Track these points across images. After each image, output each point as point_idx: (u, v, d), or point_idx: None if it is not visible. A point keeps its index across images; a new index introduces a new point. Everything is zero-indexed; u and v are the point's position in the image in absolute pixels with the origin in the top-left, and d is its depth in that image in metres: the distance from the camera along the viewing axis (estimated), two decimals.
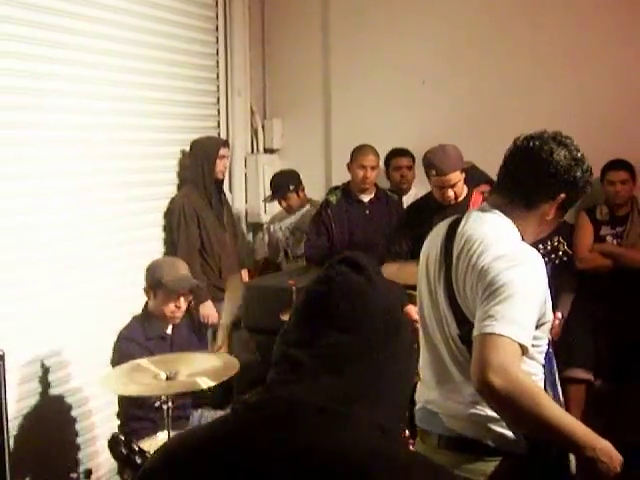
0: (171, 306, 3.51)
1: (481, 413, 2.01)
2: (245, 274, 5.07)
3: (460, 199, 3.89)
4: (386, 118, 5.13)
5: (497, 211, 2.09)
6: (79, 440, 4.05)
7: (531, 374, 1.98)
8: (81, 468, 3.99)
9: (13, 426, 3.53)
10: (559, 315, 2.41)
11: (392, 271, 4.01)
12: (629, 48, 4.53)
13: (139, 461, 2.34)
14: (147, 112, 4.53)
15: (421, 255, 2.29)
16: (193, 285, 3.67)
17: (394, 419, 1.24)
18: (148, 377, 2.82)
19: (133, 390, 2.81)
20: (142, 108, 4.49)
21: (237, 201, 5.44)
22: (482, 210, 2.14)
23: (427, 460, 1.24)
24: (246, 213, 5.58)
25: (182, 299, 3.55)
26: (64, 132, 3.93)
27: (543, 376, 2.09)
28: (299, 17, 5.48)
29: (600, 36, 4.58)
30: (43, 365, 3.81)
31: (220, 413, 3.55)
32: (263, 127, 5.62)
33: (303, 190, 5.08)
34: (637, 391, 4.13)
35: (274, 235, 5.20)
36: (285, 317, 3.67)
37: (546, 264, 2.40)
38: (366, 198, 4.80)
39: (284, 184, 5.01)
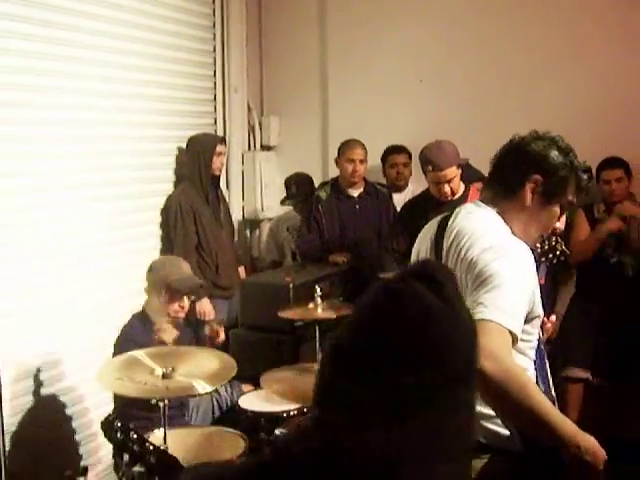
0: (175, 306, 3.50)
1: None
2: (242, 271, 5.06)
3: (457, 196, 3.89)
4: (383, 115, 5.13)
5: (486, 206, 2.12)
6: (76, 438, 4.04)
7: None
8: (77, 466, 3.99)
9: (9, 424, 3.52)
10: (553, 318, 2.41)
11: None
12: (628, 46, 4.52)
13: (137, 449, 2.31)
14: (143, 109, 4.52)
15: (413, 251, 2.31)
16: (198, 285, 3.67)
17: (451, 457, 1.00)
18: (144, 373, 2.80)
19: (128, 389, 2.79)
20: (138, 105, 4.48)
21: (234, 198, 5.43)
22: (471, 206, 2.17)
23: None
24: (243, 210, 5.58)
25: (185, 298, 3.54)
26: (60, 129, 3.92)
27: (534, 372, 2.09)
28: (296, 14, 5.47)
29: (599, 35, 4.57)
30: (39, 362, 3.80)
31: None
32: (260, 124, 5.61)
33: None
34: (635, 390, 4.14)
35: (280, 235, 5.18)
36: (283, 314, 3.66)
37: (544, 263, 2.40)
38: (355, 193, 4.82)
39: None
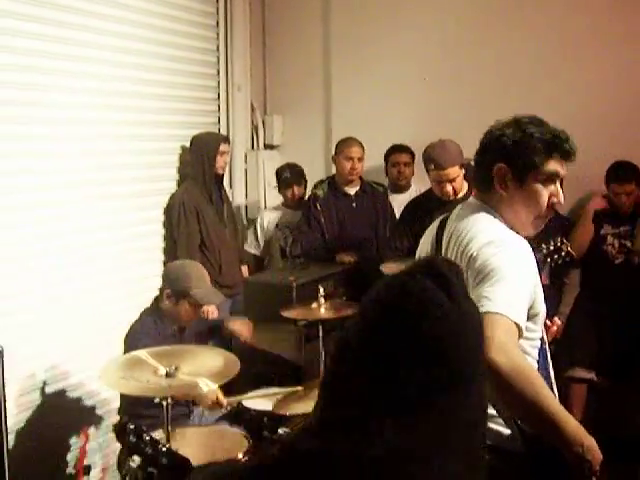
0: (191, 312, 3.50)
1: None
2: (245, 270, 5.06)
3: (460, 195, 3.89)
4: (387, 115, 5.12)
5: (479, 203, 2.12)
6: (78, 437, 4.04)
7: None
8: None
9: (14, 422, 3.53)
10: (557, 321, 2.40)
11: (392, 269, 4.01)
12: (629, 46, 4.51)
13: (149, 451, 2.31)
14: (147, 108, 4.52)
15: (416, 253, 2.31)
16: (221, 300, 3.68)
17: (470, 469, 1.00)
18: (147, 372, 2.81)
19: (131, 388, 2.79)
20: (142, 104, 4.48)
21: (237, 197, 5.43)
22: (467, 203, 2.17)
23: None
24: (246, 209, 5.58)
25: (202, 308, 3.57)
26: (64, 127, 3.93)
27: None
28: (300, 13, 5.46)
29: (601, 35, 4.56)
30: (44, 361, 3.81)
31: None
32: (263, 123, 5.61)
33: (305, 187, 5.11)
34: (639, 390, 4.13)
35: (267, 231, 5.15)
36: (286, 314, 3.67)
37: (549, 264, 2.40)
38: (352, 191, 4.84)
39: (300, 173, 5.06)
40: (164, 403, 2.75)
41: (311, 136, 5.48)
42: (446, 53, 4.96)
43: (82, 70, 4.00)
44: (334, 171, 5.10)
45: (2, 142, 3.59)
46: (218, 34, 5.24)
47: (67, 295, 3.92)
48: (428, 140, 4.00)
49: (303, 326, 4.00)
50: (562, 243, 2.57)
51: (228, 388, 3.13)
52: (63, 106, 3.91)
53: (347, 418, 0.95)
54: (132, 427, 2.32)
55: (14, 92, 3.63)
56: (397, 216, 4.59)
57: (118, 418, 3.41)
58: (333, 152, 4.88)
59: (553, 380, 2.21)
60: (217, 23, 5.23)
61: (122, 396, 3.41)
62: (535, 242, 2.07)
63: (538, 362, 2.09)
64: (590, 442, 1.77)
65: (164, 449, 2.30)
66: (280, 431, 2.73)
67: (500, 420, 1.96)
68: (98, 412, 4.12)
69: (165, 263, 4.42)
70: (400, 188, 4.95)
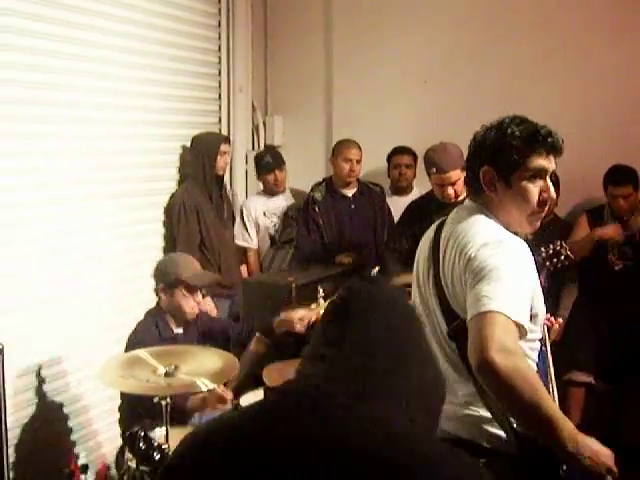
0: (191, 302, 3.50)
1: (475, 414, 2.02)
2: (244, 270, 5.06)
3: (461, 198, 3.89)
4: (387, 117, 5.13)
5: (475, 205, 2.13)
6: (76, 435, 4.05)
7: None
8: (78, 463, 4.00)
9: (13, 419, 3.54)
10: (560, 321, 2.40)
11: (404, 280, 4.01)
12: (630, 48, 4.52)
13: (157, 457, 2.32)
14: (148, 107, 4.52)
15: (415, 257, 2.31)
16: (215, 279, 3.67)
17: (422, 410, 1.31)
18: (146, 371, 2.81)
19: (130, 387, 2.80)
20: (143, 103, 4.48)
21: (238, 197, 5.43)
22: (464, 206, 2.18)
23: (457, 452, 1.27)
24: None
25: (199, 293, 3.54)
26: (64, 126, 3.93)
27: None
28: (301, 14, 5.47)
29: (603, 38, 4.57)
30: (41, 359, 3.81)
31: None
32: (264, 124, 5.62)
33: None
34: (638, 394, 4.13)
35: (255, 220, 5.10)
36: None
37: (548, 267, 2.41)
38: (350, 192, 4.84)
39: (281, 157, 5.06)
40: (163, 402, 2.76)
41: (312, 137, 5.49)
42: (447, 56, 4.96)
43: (84, 69, 4.00)
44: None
45: (5, 140, 3.59)
46: (220, 34, 5.25)
47: (67, 293, 3.92)
48: (429, 143, 4.00)
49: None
50: (561, 247, 2.57)
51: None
52: (66, 105, 3.91)
53: (316, 371, 1.31)
54: (142, 434, 2.33)
55: (19, 90, 3.63)
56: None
57: (123, 416, 3.43)
58: (331, 154, 4.87)
59: (553, 381, 2.21)
60: (219, 23, 5.24)
61: (122, 395, 3.41)
62: (534, 245, 2.06)
63: (537, 364, 2.09)
64: (586, 439, 1.77)
65: (168, 452, 2.30)
66: None
67: (496, 423, 1.97)
68: (98, 410, 4.12)
69: None
70: (402, 190, 4.95)
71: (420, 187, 4.78)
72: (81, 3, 3.94)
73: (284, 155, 5.18)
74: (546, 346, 2.34)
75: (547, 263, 2.51)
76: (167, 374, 2.80)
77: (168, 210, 4.66)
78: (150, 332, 3.45)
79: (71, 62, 3.91)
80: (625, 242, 4.29)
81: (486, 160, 2.06)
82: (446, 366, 2.05)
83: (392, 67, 5.13)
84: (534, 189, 2.04)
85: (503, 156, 2.03)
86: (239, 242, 5.06)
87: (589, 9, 4.60)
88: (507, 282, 1.87)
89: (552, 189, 2.06)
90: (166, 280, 3.47)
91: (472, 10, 4.88)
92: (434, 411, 1.38)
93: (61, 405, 3.95)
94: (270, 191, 5.08)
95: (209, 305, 4.44)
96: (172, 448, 2.62)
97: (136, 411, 3.15)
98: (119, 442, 3.45)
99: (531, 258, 2.02)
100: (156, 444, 2.32)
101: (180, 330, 3.58)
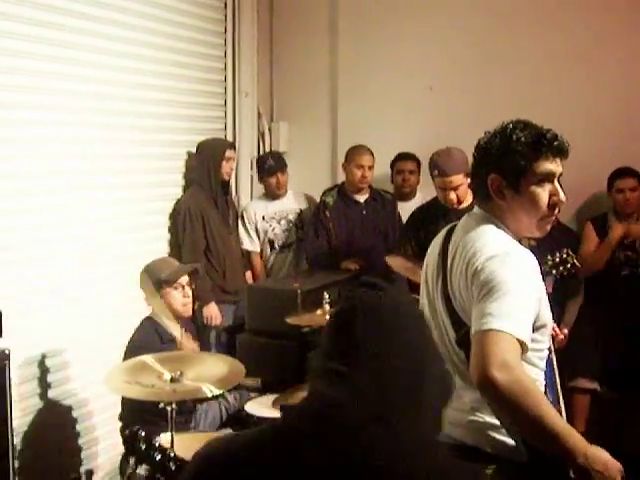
0: (180, 299, 3.52)
1: (481, 420, 2.01)
2: (249, 276, 5.07)
3: (466, 204, 3.89)
4: (393, 122, 5.13)
5: (483, 213, 2.11)
6: (81, 441, 4.05)
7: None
8: (83, 469, 4.00)
9: (19, 424, 3.54)
10: (565, 331, 2.39)
11: (399, 264, 4.02)
12: (634, 51, 4.53)
13: (158, 458, 2.30)
14: (154, 113, 4.54)
15: (424, 264, 2.31)
16: (192, 269, 3.69)
17: (434, 429, 1.29)
18: (152, 377, 2.81)
19: (136, 392, 2.80)
20: (149, 109, 4.50)
21: (243, 203, 5.44)
22: (472, 214, 2.16)
23: (469, 466, 1.30)
24: None
25: (187, 288, 3.56)
26: (70, 131, 3.94)
27: (544, 382, 2.08)
28: (307, 20, 5.48)
29: (608, 43, 4.57)
30: (45, 365, 3.82)
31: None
32: (270, 130, 5.62)
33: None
34: None
35: (255, 223, 5.09)
36: (290, 320, 3.67)
37: (554, 276, 2.40)
38: (362, 198, 4.85)
39: (283, 161, 5.04)
40: (168, 408, 2.76)
41: (317, 143, 5.49)
42: (452, 61, 4.97)
43: (89, 75, 4.02)
44: (340, 178, 5.11)
45: (5, 145, 3.60)
46: (225, 40, 5.26)
47: (73, 299, 3.93)
48: (433, 149, 4.00)
49: (307, 333, 4.01)
50: (568, 255, 2.57)
51: None
52: (70, 110, 3.92)
53: (329, 390, 1.25)
54: (143, 434, 2.31)
55: (20, 96, 3.65)
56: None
57: (124, 425, 3.43)
58: (343, 159, 4.86)
59: (559, 389, 2.20)
60: (225, 29, 5.25)
61: (124, 401, 3.42)
62: (540, 253, 2.05)
63: (545, 372, 2.08)
64: (595, 452, 1.76)
65: (172, 455, 2.29)
66: None
67: (504, 430, 1.96)
68: (102, 416, 4.12)
69: None
70: (405, 196, 4.95)
71: (424, 193, 4.78)
72: (79, 7, 3.94)
73: (289, 161, 5.19)
74: (551, 353, 2.34)
75: (553, 271, 2.50)
76: (172, 380, 2.80)
77: (174, 216, 4.67)
78: (151, 337, 3.47)
79: (75, 67, 3.93)
80: (631, 248, 4.29)
81: (492, 168, 2.04)
82: (452, 372, 2.04)
83: (397, 73, 5.14)
84: (543, 193, 2.02)
85: (509, 163, 2.01)
86: (243, 246, 5.07)
87: (596, 16, 4.60)
88: (512, 298, 1.86)
89: (562, 192, 2.06)
90: (148, 285, 3.54)
91: (478, 16, 4.88)
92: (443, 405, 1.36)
93: (66, 411, 3.95)
94: (272, 194, 5.08)
95: (214, 311, 4.46)
96: (177, 453, 2.62)
97: (140, 417, 3.15)
98: (123, 448, 3.46)
99: (538, 269, 2.00)
100: (157, 444, 2.30)
101: (178, 332, 3.59)
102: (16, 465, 3.02)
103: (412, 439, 1.21)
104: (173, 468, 2.27)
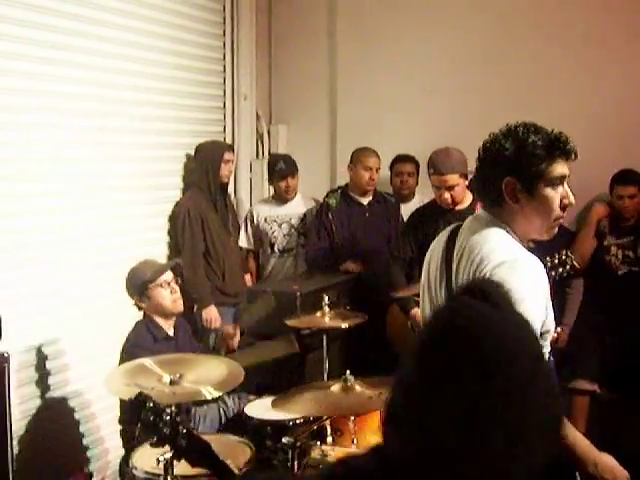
0: (168, 296, 3.54)
1: None
2: (249, 278, 5.07)
3: (464, 206, 3.90)
4: (391, 125, 5.14)
5: (490, 217, 2.09)
6: (82, 442, 4.04)
7: None
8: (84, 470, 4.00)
9: (17, 428, 3.54)
10: (563, 335, 2.38)
11: (407, 291, 4.01)
12: (636, 53, 4.54)
13: (167, 432, 2.23)
14: (153, 116, 4.54)
15: (424, 263, 2.30)
16: (173, 265, 3.73)
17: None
18: (152, 380, 2.81)
19: (134, 395, 2.79)
20: (148, 112, 4.50)
21: (242, 205, 5.44)
22: (478, 217, 2.15)
23: None
24: None
25: (173, 284, 3.59)
26: (69, 134, 3.94)
27: None
28: (306, 23, 5.49)
29: (608, 45, 4.58)
30: (46, 367, 3.82)
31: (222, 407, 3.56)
32: (269, 132, 5.63)
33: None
34: None
35: (257, 224, 5.10)
36: (290, 322, 3.67)
37: (553, 277, 2.40)
38: (365, 201, 4.85)
39: (294, 164, 5.01)
40: (167, 410, 2.75)
41: (316, 146, 5.50)
42: (451, 64, 4.98)
43: (88, 77, 4.02)
44: (339, 181, 5.11)
45: (3, 147, 3.60)
46: (224, 43, 5.27)
47: (73, 301, 3.93)
48: (432, 151, 4.01)
49: (307, 335, 4.01)
50: (567, 256, 2.57)
51: None
52: (69, 113, 3.93)
53: (412, 438, 0.97)
54: (151, 405, 2.24)
55: (23, 98, 3.65)
56: None
57: (124, 427, 3.43)
58: (348, 161, 4.86)
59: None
60: (223, 32, 5.25)
61: (123, 404, 3.41)
62: (539, 255, 2.05)
63: None
64: (604, 460, 1.76)
65: (184, 431, 2.24)
66: (283, 440, 2.73)
67: None
68: (102, 419, 4.12)
69: None
70: (404, 198, 4.96)
71: (422, 195, 4.79)
72: (78, 10, 3.95)
73: None
74: (551, 355, 2.34)
75: (552, 273, 2.50)
76: (172, 382, 2.79)
77: (173, 218, 4.67)
78: (144, 336, 3.50)
79: (73, 70, 3.93)
80: (629, 247, 4.31)
81: (507, 171, 2.01)
82: None
83: (396, 75, 5.15)
84: (557, 196, 2.02)
85: (527, 166, 1.99)
86: (242, 244, 5.10)
87: (595, 17, 4.61)
88: (522, 307, 1.84)
89: (571, 194, 2.06)
90: (135, 289, 3.55)
91: (478, 18, 4.89)
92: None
93: (66, 413, 3.95)
94: (280, 197, 5.06)
95: (214, 314, 4.45)
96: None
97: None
98: (123, 451, 3.46)
99: (545, 275, 1.99)
100: (167, 418, 2.22)
101: (171, 331, 3.62)
102: (15, 467, 3.01)
103: None
104: (183, 444, 2.22)
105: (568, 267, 2.57)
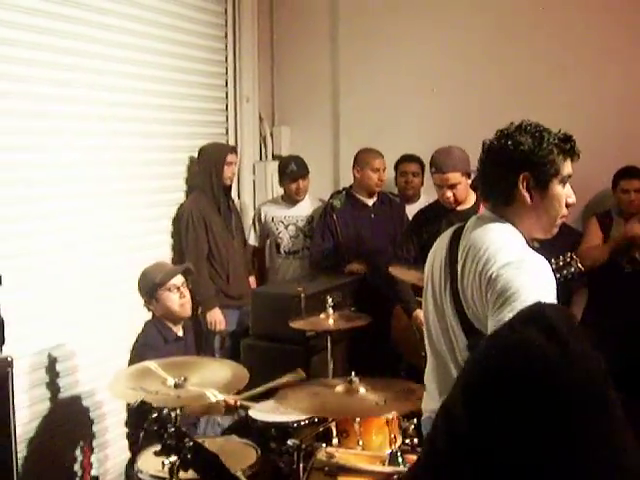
0: (177, 300, 3.56)
1: None
2: (253, 280, 5.06)
3: (467, 205, 3.89)
4: (395, 126, 5.13)
5: (494, 216, 2.08)
6: (91, 444, 4.05)
7: None
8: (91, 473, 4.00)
9: (25, 431, 3.55)
10: None
11: (401, 271, 4.01)
12: (637, 52, 4.53)
13: (172, 444, 2.21)
14: (155, 118, 4.55)
15: (426, 263, 2.29)
16: (184, 269, 3.75)
17: None
18: (156, 383, 2.81)
19: (139, 398, 2.79)
20: (151, 115, 4.51)
21: (245, 208, 5.44)
22: (482, 217, 2.14)
23: None
24: None
25: (182, 289, 3.61)
26: (72, 138, 3.95)
27: None
28: (308, 24, 5.49)
29: (610, 44, 4.57)
30: (54, 370, 3.84)
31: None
32: (272, 134, 5.63)
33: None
34: None
35: (265, 224, 5.11)
36: (294, 324, 3.66)
37: (558, 279, 2.38)
38: (370, 202, 4.84)
39: (305, 166, 4.99)
40: (172, 414, 2.75)
41: (319, 147, 5.50)
42: (454, 63, 4.97)
43: (91, 81, 4.03)
44: (342, 182, 5.10)
45: (5, 152, 3.61)
46: (227, 45, 5.28)
47: (77, 305, 3.93)
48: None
49: (311, 337, 4.00)
50: (572, 259, 2.55)
51: None
52: (72, 117, 3.94)
53: None
54: (155, 416, 2.22)
55: (21, 102, 3.66)
56: None
57: (130, 431, 3.43)
58: (350, 164, 4.85)
59: None
60: (225, 35, 5.26)
61: (129, 407, 3.42)
62: (545, 257, 2.04)
63: None
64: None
65: (190, 444, 2.23)
66: (289, 442, 2.72)
67: None
68: (107, 422, 4.12)
69: None
70: (408, 198, 4.95)
71: (427, 195, 4.77)
72: (82, 15, 3.96)
73: None
74: None
75: (557, 275, 2.48)
76: (177, 385, 2.79)
77: (176, 221, 4.68)
78: (155, 337, 3.53)
79: (76, 74, 3.94)
80: (634, 247, 4.29)
81: (523, 166, 2.01)
82: (457, 375, 2.03)
83: (399, 76, 5.15)
84: (564, 194, 2.05)
85: (544, 162, 2.00)
86: (250, 242, 5.14)
87: (597, 17, 4.60)
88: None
89: (572, 194, 2.07)
90: (145, 292, 3.59)
91: (478, 18, 4.89)
92: None
93: (73, 416, 3.96)
94: (289, 199, 5.05)
95: (218, 316, 4.46)
96: None
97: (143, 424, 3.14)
98: (129, 454, 3.46)
99: (552, 275, 1.98)
100: (172, 430, 2.20)
101: (181, 332, 3.65)
102: (22, 469, 3.01)
103: None
104: (190, 457, 2.20)
105: (573, 269, 2.56)
